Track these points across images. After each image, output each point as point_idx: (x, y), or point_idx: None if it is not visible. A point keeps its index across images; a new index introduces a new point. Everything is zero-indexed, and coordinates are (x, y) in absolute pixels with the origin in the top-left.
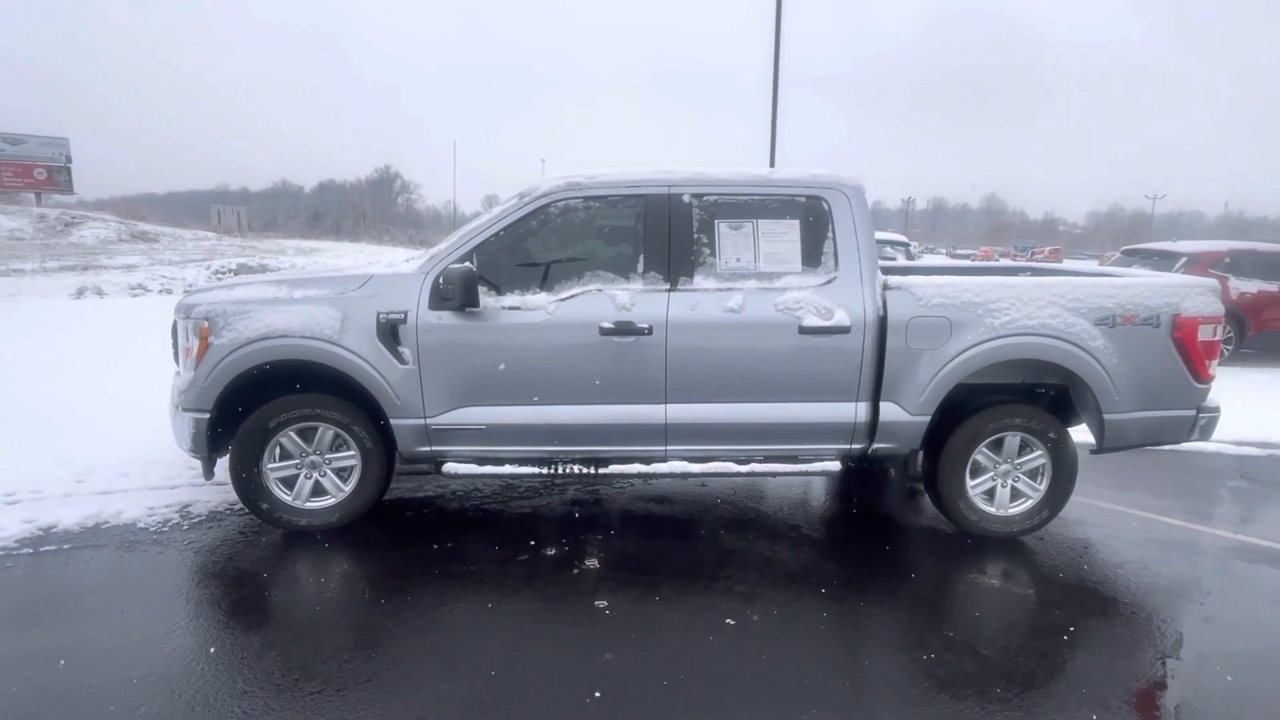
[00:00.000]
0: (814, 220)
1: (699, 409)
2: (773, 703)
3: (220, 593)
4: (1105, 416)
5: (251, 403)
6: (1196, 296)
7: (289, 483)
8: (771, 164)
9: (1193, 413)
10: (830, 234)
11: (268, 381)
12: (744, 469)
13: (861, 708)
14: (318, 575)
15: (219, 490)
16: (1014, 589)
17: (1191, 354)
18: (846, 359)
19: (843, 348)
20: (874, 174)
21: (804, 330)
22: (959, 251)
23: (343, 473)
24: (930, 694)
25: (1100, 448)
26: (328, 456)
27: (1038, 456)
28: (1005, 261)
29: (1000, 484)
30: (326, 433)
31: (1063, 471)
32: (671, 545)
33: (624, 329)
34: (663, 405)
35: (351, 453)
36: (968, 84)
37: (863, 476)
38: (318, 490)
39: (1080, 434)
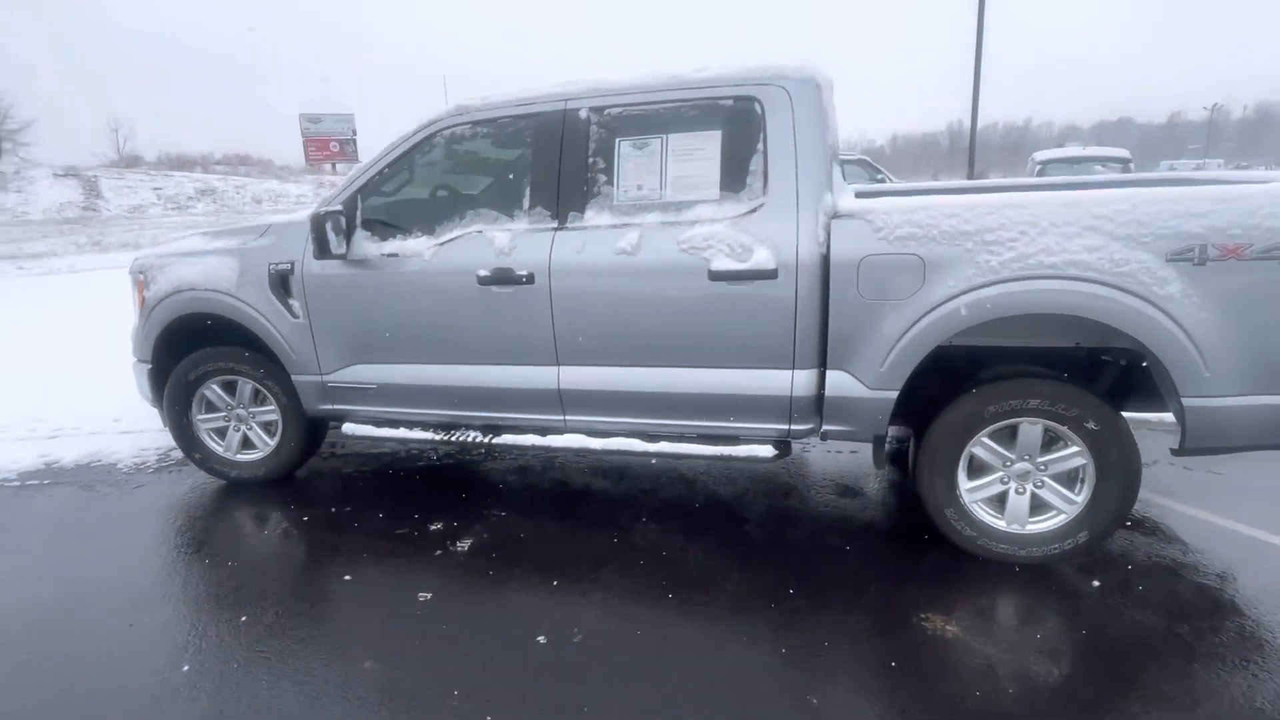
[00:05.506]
0: (741, 130)
1: (595, 373)
2: None
3: (120, 529)
4: (1185, 401)
5: (188, 354)
6: None
7: (223, 434)
8: (976, 64)
9: None
10: (761, 147)
11: (197, 333)
12: (652, 448)
13: None
14: (211, 521)
15: None
16: (967, 638)
17: None
18: (773, 312)
19: (767, 297)
20: (1167, 74)
21: (714, 275)
22: None
23: (269, 427)
24: None
25: (1182, 446)
26: (252, 410)
27: (1073, 454)
28: None
29: (1015, 489)
30: (245, 387)
31: (1112, 478)
32: (573, 530)
33: (502, 277)
34: (555, 368)
35: (272, 407)
36: None
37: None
38: (248, 444)
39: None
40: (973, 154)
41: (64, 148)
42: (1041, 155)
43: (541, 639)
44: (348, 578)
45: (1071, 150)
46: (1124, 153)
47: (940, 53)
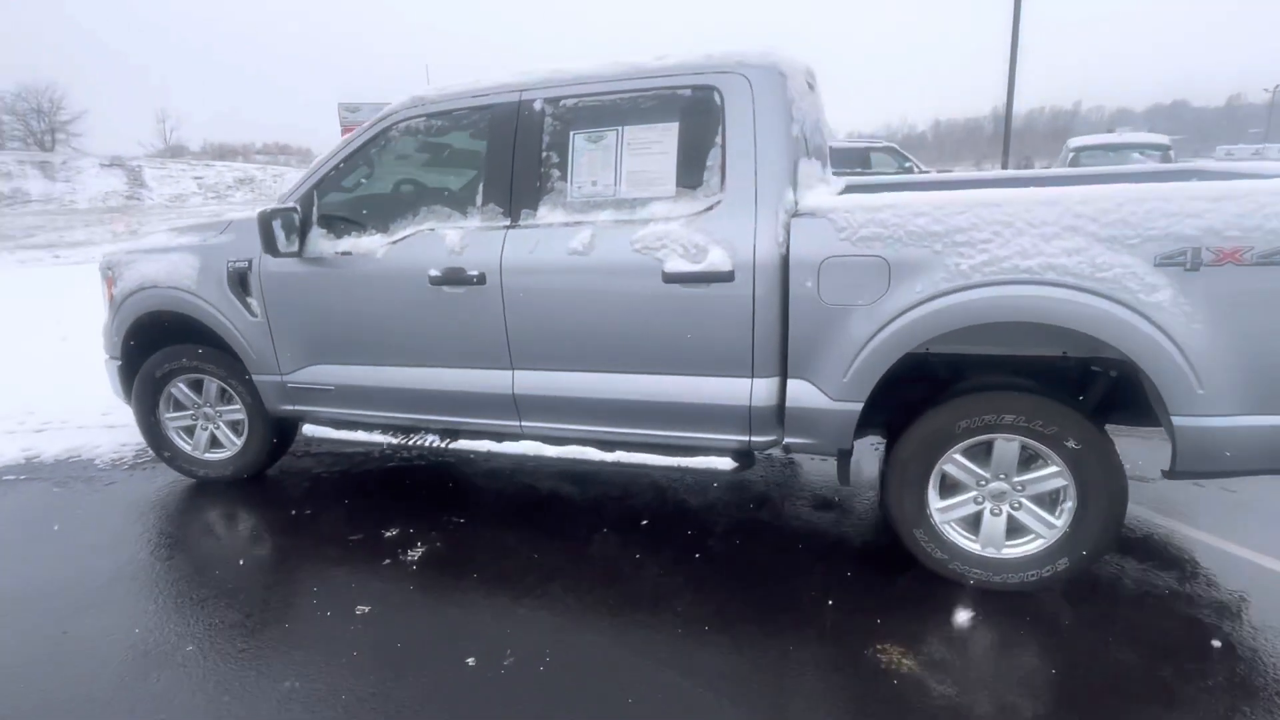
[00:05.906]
0: (699, 122)
1: (549, 378)
2: None
3: (80, 529)
4: (1176, 420)
5: (157, 351)
6: None
7: (191, 432)
8: (1013, 48)
9: None
10: (719, 139)
11: (165, 330)
12: (609, 457)
13: None
14: (170, 524)
15: None
16: (924, 674)
17: None
18: (730, 317)
19: (724, 300)
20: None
21: (668, 277)
22: None
23: (236, 426)
24: None
25: (1173, 469)
26: (219, 409)
27: (1052, 474)
28: None
29: (990, 510)
30: (212, 385)
31: (1095, 501)
32: (530, 540)
33: (453, 278)
34: (509, 372)
35: (238, 406)
36: None
37: None
38: (216, 443)
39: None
40: (1007, 140)
41: (113, 138)
42: (1075, 142)
43: (471, 660)
44: (290, 587)
45: (1107, 137)
46: (1164, 139)
47: (985, 35)
